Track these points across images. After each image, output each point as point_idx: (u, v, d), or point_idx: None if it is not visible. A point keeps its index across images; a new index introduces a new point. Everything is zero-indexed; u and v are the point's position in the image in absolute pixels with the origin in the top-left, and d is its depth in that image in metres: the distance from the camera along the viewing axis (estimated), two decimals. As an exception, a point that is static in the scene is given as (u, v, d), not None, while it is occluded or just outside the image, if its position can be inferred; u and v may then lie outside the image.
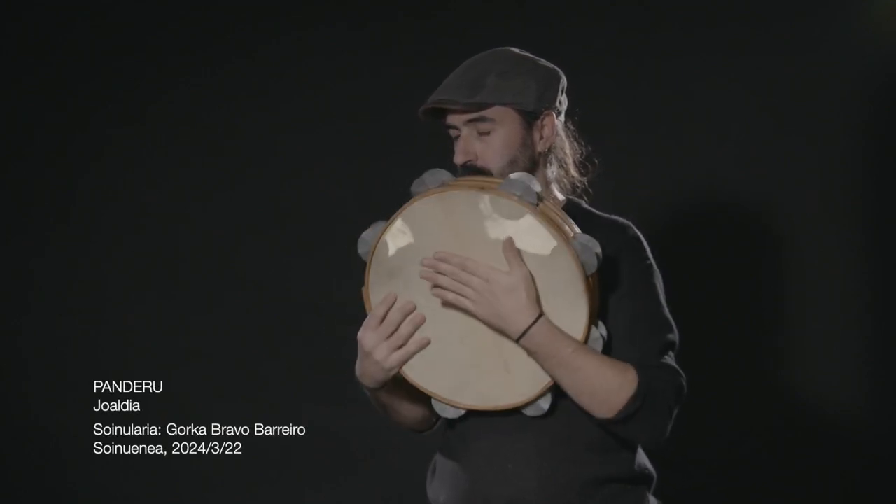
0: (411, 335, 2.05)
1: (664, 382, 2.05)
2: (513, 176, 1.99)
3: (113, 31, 3.73)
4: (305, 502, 3.61)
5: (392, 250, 2.03)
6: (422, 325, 2.05)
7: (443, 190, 2.01)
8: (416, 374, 2.09)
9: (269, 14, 3.67)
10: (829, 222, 3.33)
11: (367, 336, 2.06)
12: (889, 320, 3.31)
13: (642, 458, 2.19)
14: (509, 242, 1.97)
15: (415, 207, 2.01)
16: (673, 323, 2.13)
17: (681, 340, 2.15)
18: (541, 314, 1.98)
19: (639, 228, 2.20)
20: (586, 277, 1.97)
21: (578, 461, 2.10)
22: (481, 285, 1.98)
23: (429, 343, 2.06)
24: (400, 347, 2.05)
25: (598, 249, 1.97)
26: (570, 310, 1.99)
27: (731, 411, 3.32)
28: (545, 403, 2.06)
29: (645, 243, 2.17)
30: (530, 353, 2.00)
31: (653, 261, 2.16)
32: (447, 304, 2.02)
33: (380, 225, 2.05)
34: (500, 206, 1.97)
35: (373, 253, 2.04)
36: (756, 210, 3.37)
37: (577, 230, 2.03)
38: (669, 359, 2.10)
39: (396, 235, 2.03)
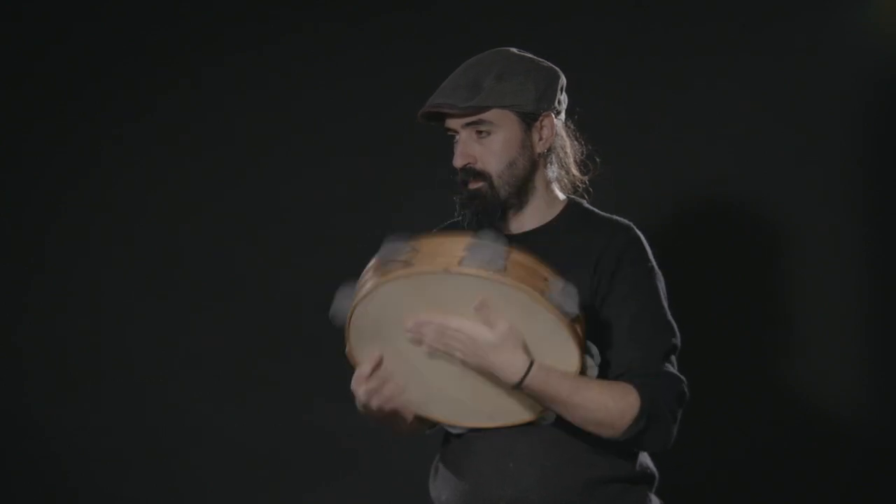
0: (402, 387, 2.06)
1: (666, 392, 2.06)
2: (476, 244, 1.93)
3: (112, 31, 3.73)
4: (305, 502, 3.61)
5: (369, 318, 2.01)
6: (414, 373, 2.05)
7: (409, 273, 1.94)
8: (419, 407, 2.10)
9: (268, 14, 3.67)
10: (829, 222, 3.33)
11: (360, 390, 2.08)
12: (891, 319, 3.31)
13: (644, 457, 2.19)
14: (482, 305, 1.94)
15: (384, 287, 1.96)
16: (674, 325, 2.13)
17: (681, 341, 2.15)
18: (531, 363, 1.97)
19: (639, 228, 2.20)
20: (569, 322, 1.95)
21: (580, 461, 2.10)
22: (466, 343, 1.97)
23: (427, 388, 2.07)
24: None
25: (575, 293, 1.93)
26: (559, 350, 1.98)
27: (731, 411, 3.31)
28: (551, 417, 2.07)
29: (646, 244, 2.17)
30: (530, 397, 2.01)
31: (654, 262, 2.16)
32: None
33: (348, 291, 2.01)
34: (468, 281, 1.92)
35: (350, 321, 2.02)
36: (756, 210, 3.37)
37: (553, 276, 1.96)
38: (670, 364, 2.10)
39: (372, 305, 1.99)
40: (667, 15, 3.40)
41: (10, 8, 3.74)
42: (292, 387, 3.60)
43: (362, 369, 2.06)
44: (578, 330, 1.98)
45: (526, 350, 1.97)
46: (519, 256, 1.96)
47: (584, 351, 2.01)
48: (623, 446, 2.07)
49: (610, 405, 2.01)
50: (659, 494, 2.22)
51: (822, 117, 3.31)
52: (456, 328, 1.96)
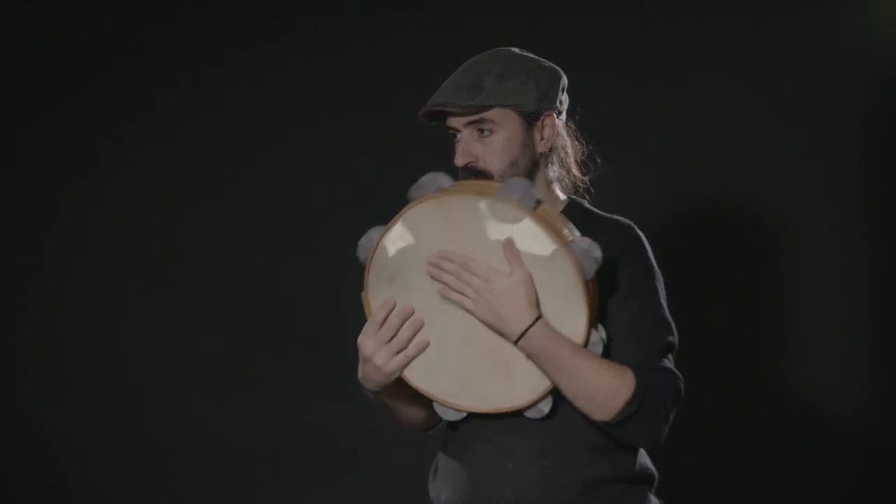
0: (410, 339, 2.06)
1: (662, 386, 2.05)
2: (511, 180, 1.99)
3: (112, 31, 3.73)
4: (305, 502, 3.61)
5: (391, 254, 2.03)
6: (421, 328, 2.06)
7: (441, 195, 2.01)
8: (417, 377, 2.09)
9: (268, 14, 3.67)
10: (829, 222, 3.33)
11: (367, 341, 2.06)
12: (891, 319, 3.31)
13: (644, 458, 2.19)
14: (510, 243, 1.97)
15: (413, 212, 2.01)
16: (673, 325, 2.13)
17: (681, 341, 2.15)
18: (539, 316, 1.98)
19: (639, 228, 2.20)
20: (585, 281, 1.97)
21: (580, 461, 2.10)
22: (481, 286, 1.98)
23: (428, 345, 2.06)
24: (399, 352, 2.06)
25: (598, 253, 1.97)
26: (569, 313, 1.99)
27: (731, 411, 3.32)
28: (545, 407, 2.06)
29: (647, 244, 2.17)
30: (529, 355, 2.00)
31: (654, 262, 2.16)
32: (447, 306, 2.02)
33: (377, 229, 2.05)
34: (498, 210, 1.97)
35: (372, 257, 2.04)
36: (756, 210, 3.37)
37: (577, 233, 2.02)
38: (668, 361, 2.10)
39: (395, 240, 2.03)
40: (667, 15, 3.40)
41: (10, 8, 3.74)
42: (292, 387, 3.61)
43: (375, 317, 2.05)
44: (592, 289, 1.99)
45: (536, 304, 1.98)
46: (548, 209, 2.02)
47: (593, 321, 2.01)
48: (612, 436, 2.06)
49: (606, 378, 2.00)
50: (659, 494, 2.22)
51: (822, 117, 3.32)
52: (474, 268, 1.98)
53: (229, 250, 3.67)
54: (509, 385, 2.05)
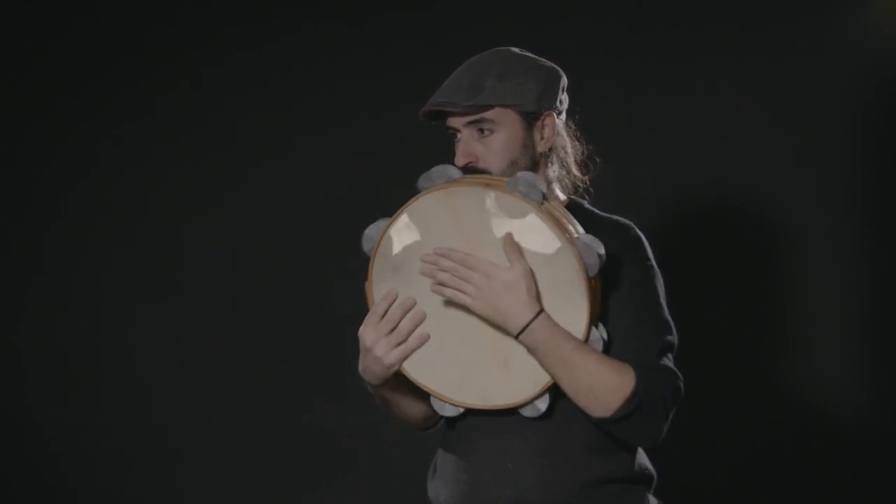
0: (411, 331, 2.06)
1: (661, 384, 2.05)
2: (519, 174, 2.00)
3: (112, 31, 3.73)
4: (305, 502, 3.61)
5: (397, 246, 2.04)
6: (423, 321, 2.06)
7: (448, 186, 2.02)
8: (415, 370, 2.09)
9: (268, 14, 3.67)
10: (829, 222, 3.33)
11: (368, 332, 2.07)
12: (891, 319, 3.31)
13: (642, 458, 2.18)
14: (510, 238, 1.98)
15: (420, 203, 2.03)
16: (673, 324, 2.13)
17: (681, 341, 2.15)
18: (541, 310, 1.99)
19: (639, 228, 2.20)
20: (588, 278, 1.97)
21: (578, 461, 2.09)
22: (481, 281, 1.99)
23: (429, 339, 2.07)
24: (400, 344, 2.06)
25: (602, 250, 1.97)
26: (570, 309, 1.99)
27: (731, 411, 3.32)
28: (542, 405, 2.06)
29: (646, 244, 2.17)
30: (530, 349, 2.01)
31: (654, 262, 2.16)
32: (449, 301, 2.03)
33: (383, 220, 2.06)
34: (504, 203, 1.98)
35: (377, 248, 2.05)
36: (756, 210, 3.37)
37: (581, 230, 2.03)
38: (668, 361, 2.10)
39: (401, 231, 2.04)
40: (667, 15, 3.40)
41: (10, 8, 3.74)
42: (292, 387, 3.61)
43: (377, 308, 2.06)
44: (594, 287, 2.00)
45: (537, 299, 1.98)
46: (554, 205, 2.04)
47: (594, 319, 2.01)
48: (611, 434, 2.06)
49: (607, 374, 2.00)
50: (659, 494, 2.22)
51: (822, 117, 3.32)
52: (474, 263, 1.98)
53: (229, 250, 3.67)
54: (507, 380, 2.05)
